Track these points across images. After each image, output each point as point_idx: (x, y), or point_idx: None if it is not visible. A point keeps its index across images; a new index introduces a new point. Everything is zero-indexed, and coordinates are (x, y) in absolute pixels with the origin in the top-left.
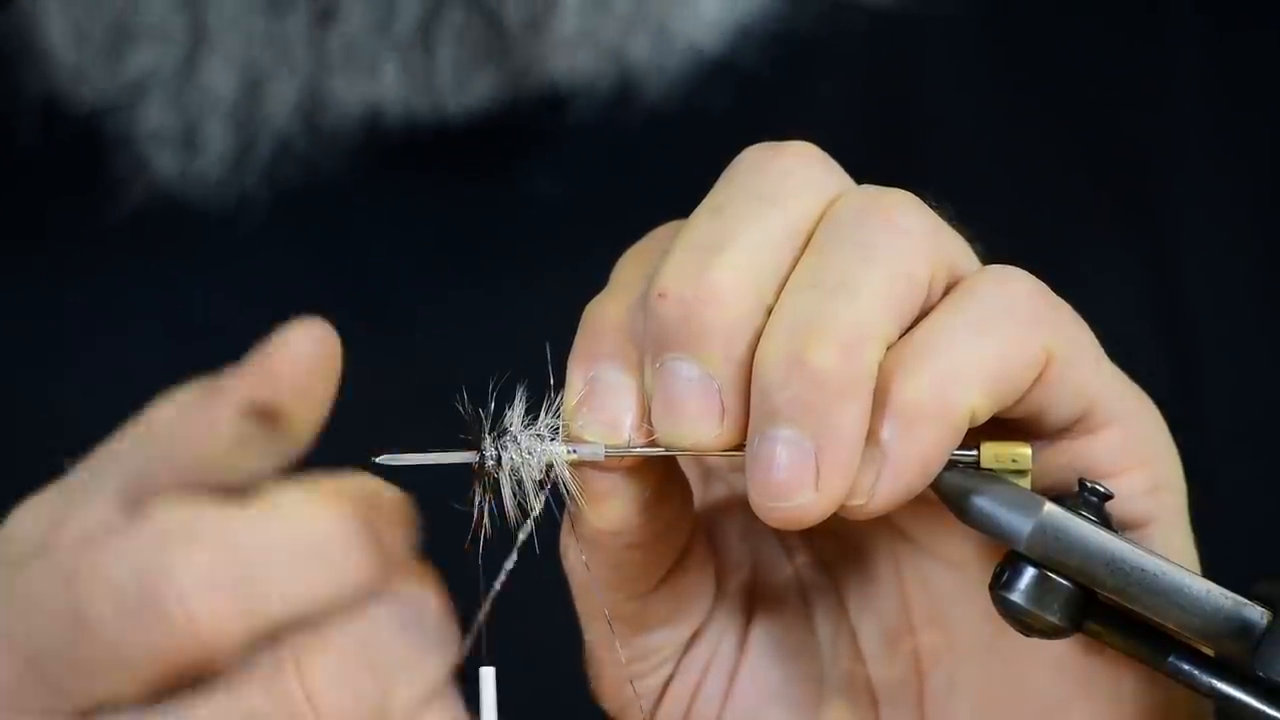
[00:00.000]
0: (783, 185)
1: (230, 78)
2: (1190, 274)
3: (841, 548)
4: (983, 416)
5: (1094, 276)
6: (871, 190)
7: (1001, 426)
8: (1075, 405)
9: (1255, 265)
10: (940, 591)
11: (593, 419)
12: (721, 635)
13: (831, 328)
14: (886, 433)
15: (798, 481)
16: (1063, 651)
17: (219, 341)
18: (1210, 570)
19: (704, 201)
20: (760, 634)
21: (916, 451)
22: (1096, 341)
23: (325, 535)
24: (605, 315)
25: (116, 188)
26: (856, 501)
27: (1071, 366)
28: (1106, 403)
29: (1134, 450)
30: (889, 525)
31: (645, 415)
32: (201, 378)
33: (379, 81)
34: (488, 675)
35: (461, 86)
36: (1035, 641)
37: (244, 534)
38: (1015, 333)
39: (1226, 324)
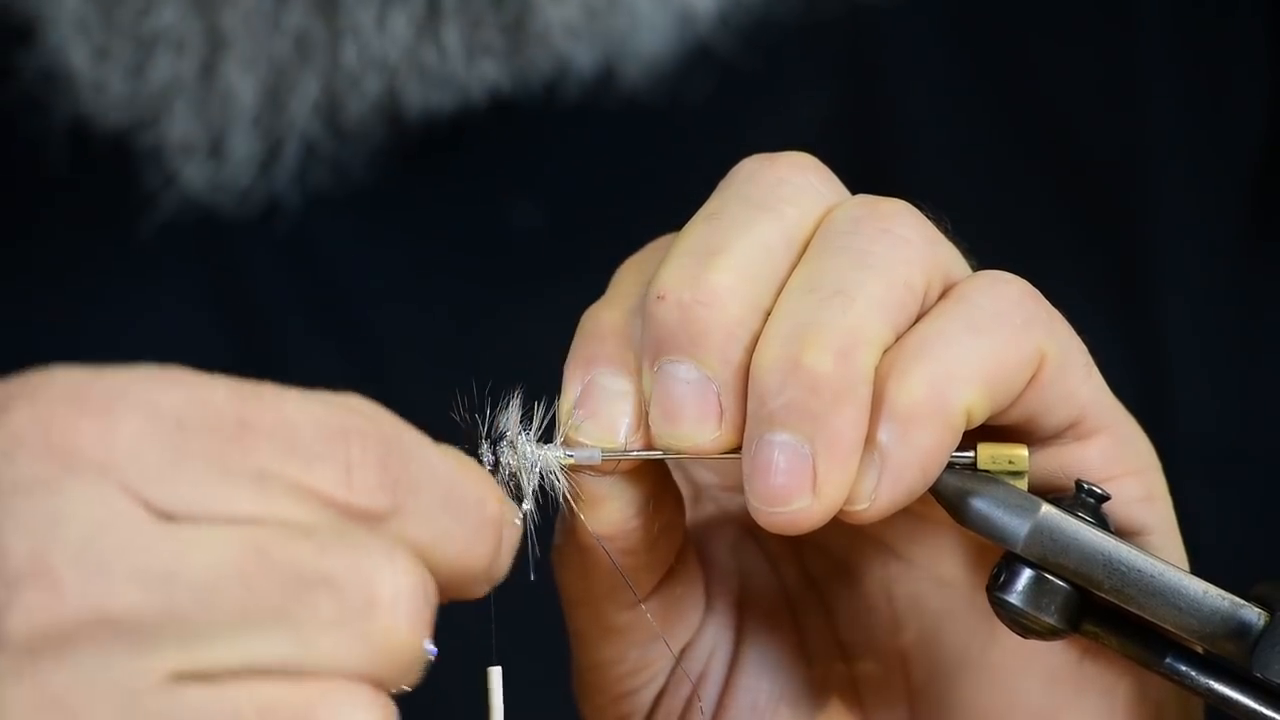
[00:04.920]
0: (778, 193)
1: (250, 82)
2: (1162, 285)
3: (832, 565)
4: (980, 417)
5: (1065, 289)
6: (868, 199)
7: (996, 433)
8: (1068, 410)
9: (1227, 276)
10: (931, 609)
11: (589, 423)
12: (713, 649)
13: (827, 332)
14: (884, 436)
15: (796, 486)
16: (1056, 663)
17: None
18: None
19: (700, 209)
20: (751, 649)
21: (915, 453)
22: (1085, 350)
23: None
24: (603, 321)
25: (147, 202)
26: (858, 506)
27: (1064, 369)
28: (1097, 410)
29: (1125, 458)
30: (878, 542)
31: (641, 419)
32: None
33: (392, 72)
34: (495, 675)
35: (469, 72)
36: (1028, 655)
37: None
38: (1009, 333)
39: (1198, 338)
